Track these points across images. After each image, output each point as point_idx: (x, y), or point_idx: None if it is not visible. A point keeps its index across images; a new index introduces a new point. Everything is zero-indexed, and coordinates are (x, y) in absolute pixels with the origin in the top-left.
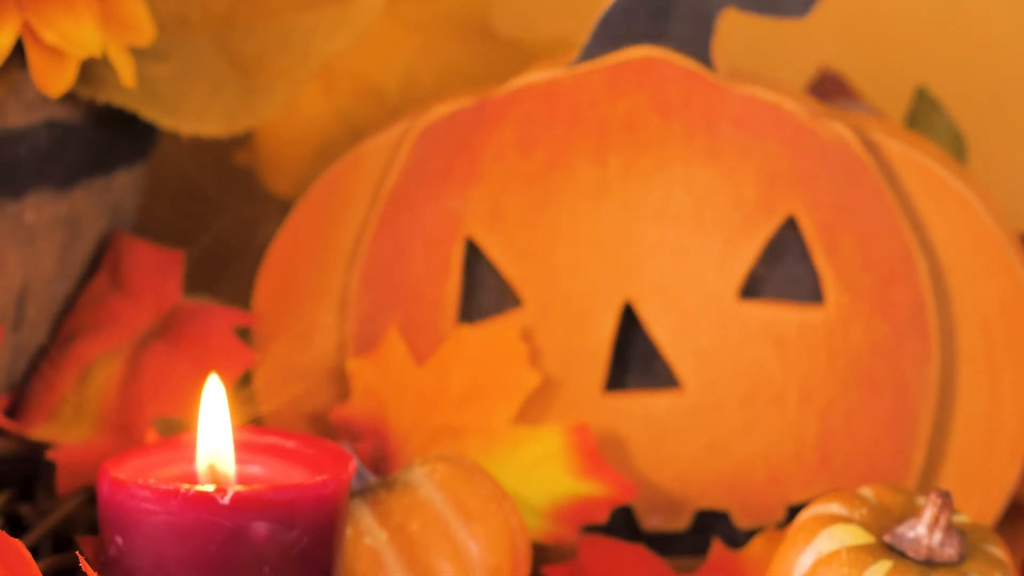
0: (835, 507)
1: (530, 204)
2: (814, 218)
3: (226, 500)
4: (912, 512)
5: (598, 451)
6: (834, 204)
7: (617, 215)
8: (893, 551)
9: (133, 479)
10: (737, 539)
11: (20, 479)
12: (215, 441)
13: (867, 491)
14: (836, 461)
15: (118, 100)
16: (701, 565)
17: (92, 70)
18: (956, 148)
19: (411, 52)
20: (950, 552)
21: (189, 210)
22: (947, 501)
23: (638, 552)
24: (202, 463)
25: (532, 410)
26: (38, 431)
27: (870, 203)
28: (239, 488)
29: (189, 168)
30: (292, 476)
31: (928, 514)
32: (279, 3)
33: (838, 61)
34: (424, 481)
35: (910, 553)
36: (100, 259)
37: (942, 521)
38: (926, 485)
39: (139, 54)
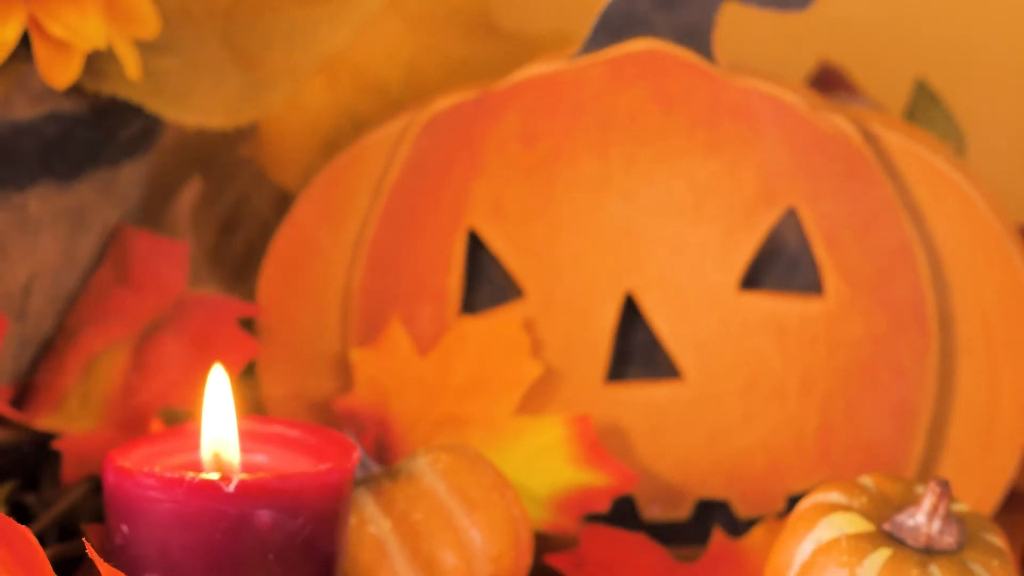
0: (835, 496)
1: (532, 196)
2: (814, 210)
3: (231, 488)
4: (911, 501)
5: (599, 441)
6: (834, 196)
7: (619, 207)
8: (892, 539)
9: (138, 467)
10: (737, 529)
11: (25, 469)
12: (220, 430)
13: (867, 480)
14: (836, 451)
15: (123, 93)
16: (702, 554)
17: (97, 63)
18: (955, 141)
19: (414, 46)
20: (949, 540)
21: None
22: (946, 490)
23: (639, 541)
24: (207, 452)
25: (534, 400)
26: (44, 421)
27: (870, 195)
28: (244, 476)
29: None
30: (296, 465)
31: (927, 502)
32: None
33: (838, 55)
34: (427, 470)
35: (909, 541)
36: (105, 251)
37: (941, 509)
38: (925, 475)
39: (144, 47)
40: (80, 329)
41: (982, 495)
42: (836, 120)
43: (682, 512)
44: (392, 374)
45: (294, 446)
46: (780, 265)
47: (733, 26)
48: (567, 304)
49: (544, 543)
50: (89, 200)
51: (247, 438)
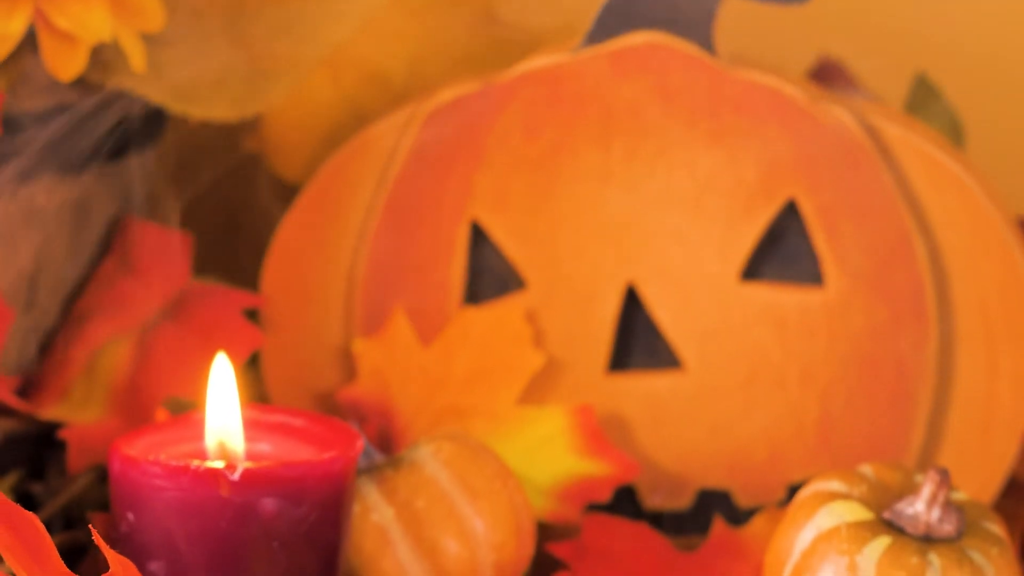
0: (835, 484)
1: (535, 188)
2: (814, 201)
3: (235, 476)
4: (911, 489)
5: (601, 431)
6: (834, 188)
7: (620, 198)
8: (892, 527)
9: (144, 456)
10: (738, 518)
11: (31, 459)
12: (224, 419)
13: (866, 469)
14: (836, 441)
15: (128, 85)
16: (703, 544)
17: (103, 55)
18: (954, 134)
19: (417, 38)
20: (948, 528)
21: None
22: (945, 478)
23: (641, 531)
24: (211, 441)
25: (536, 391)
26: (49, 411)
27: (869, 187)
28: (248, 465)
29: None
30: (300, 454)
31: (926, 491)
32: None
33: (838, 49)
34: (430, 459)
35: (909, 529)
36: (110, 242)
37: (940, 498)
38: (925, 464)
39: (149, 40)
40: (85, 320)
41: (981, 484)
42: (836, 112)
43: (683, 502)
44: (395, 364)
45: (298, 435)
46: (780, 256)
47: (734, 20)
48: (569, 295)
49: (546, 532)
50: (94, 192)
51: (251, 427)
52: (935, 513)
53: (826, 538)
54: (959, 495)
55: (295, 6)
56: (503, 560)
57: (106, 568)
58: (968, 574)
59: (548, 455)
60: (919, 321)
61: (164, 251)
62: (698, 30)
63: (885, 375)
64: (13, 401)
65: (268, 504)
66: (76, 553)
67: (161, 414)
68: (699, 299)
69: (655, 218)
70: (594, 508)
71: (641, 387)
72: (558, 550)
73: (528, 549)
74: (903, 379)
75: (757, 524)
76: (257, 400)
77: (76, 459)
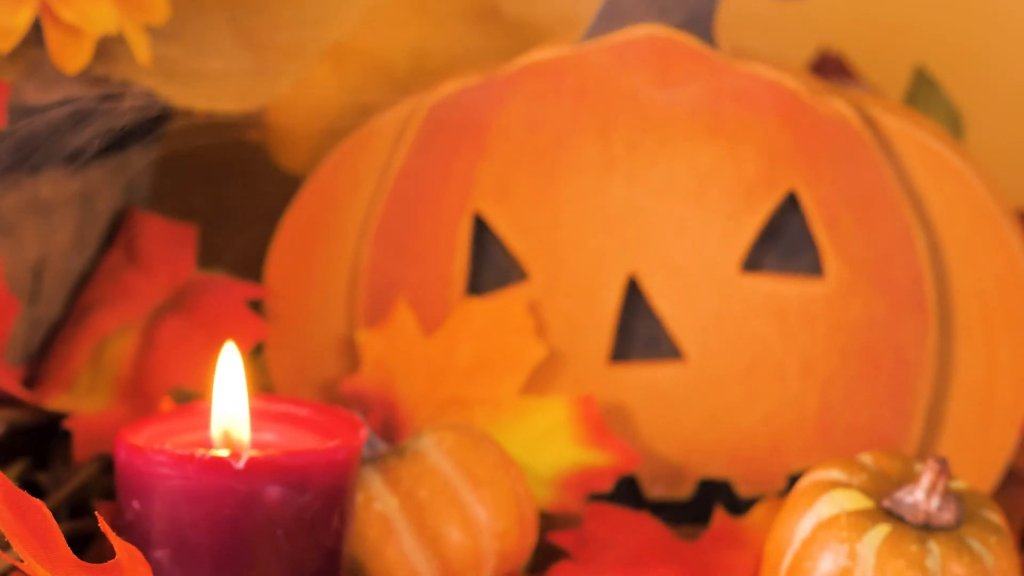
0: (835, 473)
1: (537, 179)
2: (814, 193)
3: (240, 465)
4: (910, 478)
5: (603, 421)
6: (834, 179)
7: (622, 190)
8: (892, 516)
9: (149, 445)
10: (739, 507)
11: (37, 448)
12: (230, 408)
13: (866, 458)
14: (836, 431)
15: (133, 78)
16: (704, 532)
17: (108, 48)
18: (953, 127)
19: (420, 31)
20: (947, 517)
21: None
22: (944, 467)
23: (642, 520)
24: (217, 429)
25: (538, 381)
26: (55, 401)
27: (869, 178)
28: (253, 453)
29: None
30: (305, 443)
31: (926, 480)
32: None
33: (838, 42)
34: (433, 449)
35: (908, 518)
36: (115, 234)
37: (939, 486)
38: (924, 455)
39: (154, 32)
40: (90, 311)
41: (980, 474)
42: (836, 104)
43: (684, 491)
44: (398, 355)
45: (302, 424)
46: (781, 248)
47: (734, 14)
48: (571, 286)
49: (548, 522)
50: (99, 184)
51: (256, 417)
52: (934, 502)
53: (826, 526)
54: (958, 484)
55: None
56: (506, 549)
57: (112, 556)
58: (967, 562)
59: (550, 445)
60: (918, 312)
61: (169, 243)
62: (699, 23)
63: (885, 366)
64: (19, 391)
65: (273, 492)
66: (81, 542)
67: (166, 404)
68: (700, 290)
69: (656, 210)
70: (596, 498)
71: (642, 378)
72: (560, 539)
73: (531, 538)
74: (902, 370)
75: (758, 513)
76: (261, 390)
77: (81, 449)
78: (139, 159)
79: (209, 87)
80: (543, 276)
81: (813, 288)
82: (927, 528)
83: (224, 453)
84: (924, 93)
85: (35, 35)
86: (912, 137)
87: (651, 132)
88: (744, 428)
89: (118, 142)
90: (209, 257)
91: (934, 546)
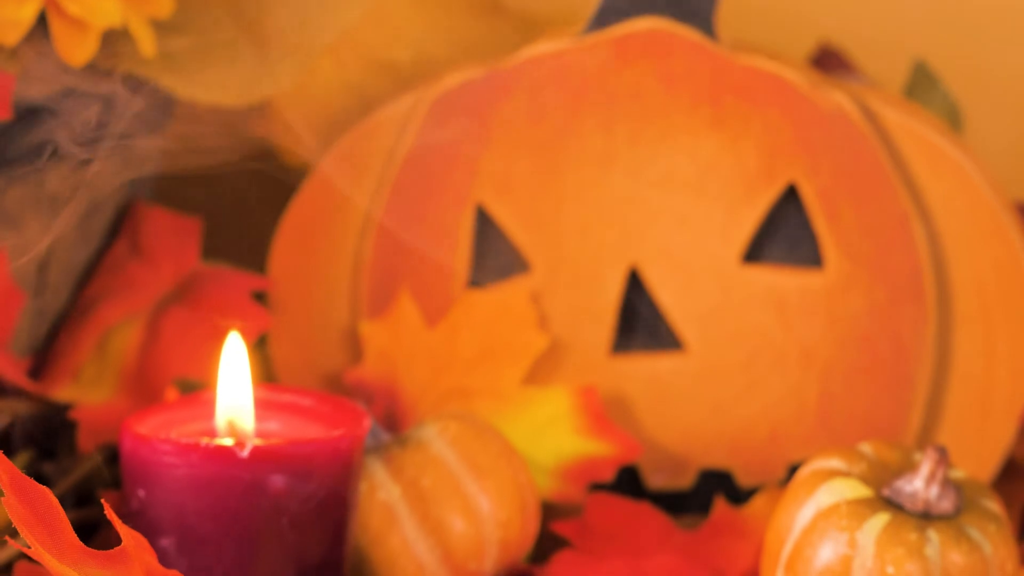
0: (835, 462)
1: (539, 172)
2: (814, 185)
3: (245, 453)
4: (909, 467)
5: (605, 412)
6: (834, 171)
7: (623, 182)
8: (891, 504)
9: (155, 434)
10: (739, 497)
11: (42, 439)
12: (234, 397)
13: (866, 447)
14: (836, 422)
15: (138, 71)
16: (704, 522)
17: (113, 41)
18: (952, 120)
19: (422, 25)
20: (946, 505)
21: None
22: (943, 456)
23: (643, 510)
24: (221, 419)
25: (540, 372)
26: (60, 392)
27: (869, 170)
28: (258, 442)
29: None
30: (309, 432)
31: (925, 468)
32: None
33: (838, 36)
34: (436, 438)
35: (907, 506)
36: (120, 226)
37: (939, 475)
38: (923, 445)
39: (158, 26)
40: (96, 302)
41: (979, 464)
42: (836, 97)
43: (685, 481)
44: (401, 346)
45: (306, 414)
46: (781, 239)
47: (735, 7)
48: (573, 277)
49: (550, 512)
50: (104, 176)
51: (260, 406)
52: (934, 490)
53: (826, 515)
54: (957, 473)
55: None
56: (508, 537)
57: (118, 544)
58: (966, 550)
59: (552, 435)
60: (918, 303)
61: (173, 235)
62: (700, 16)
63: (884, 356)
64: (24, 382)
65: (277, 481)
66: (87, 531)
67: (170, 394)
68: (701, 281)
69: (658, 202)
70: (597, 488)
71: (644, 368)
72: (562, 528)
73: (533, 527)
74: (902, 360)
75: (758, 503)
76: (265, 381)
77: (87, 439)
78: (144, 152)
79: (213, 80)
80: (545, 267)
81: (813, 279)
82: (926, 516)
83: (229, 442)
84: (923, 86)
85: (41, 28)
86: (911, 130)
87: (652, 124)
88: (744, 418)
89: (123, 135)
90: (213, 249)
91: (933, 534)
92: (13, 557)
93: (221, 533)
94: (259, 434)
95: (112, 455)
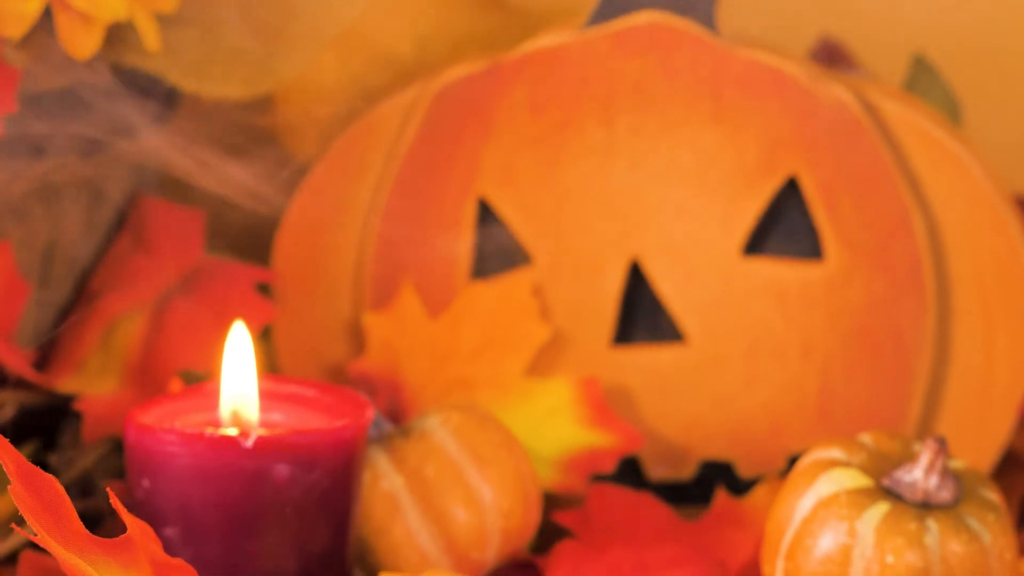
0: (835, 452)
1: (541, 165)
2: (814, 178)
3: (249, 443)
4: (909, 457)
5: (606, 403)
6: (834, 164)
7: (625, 175)
8: (891, 494)
9: (159, 424)
10: (740, 488)
11: (47, 430)
12: (238, 388)
13: (866, 437)
14: (836, 413)
15: (142, 64)
16: (705, 512)
17: (118, 35)
18: (952, 113)
19: (424, 19)
20: (945, 495)
21: None
22: (943, 446)
23: (644, 500)
24: (225, 409)
25: (542, 363)
26: (65, 384)
27: (868, 163)
28: (262, 432)
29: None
30: (312, 422)
31: (924, 458)
32: None
33: (837, 30)
34: (438, 428)
35: (907, 496)
36: (124, 219)
37: (938, 465)
38: (923, 437)
39: (163, 20)
40: (100, 294)
41: (978, 455)
42: (836, 90)
43: (686, 472)
44: (404, 338)
45: (310, 404)
46: (781, 231)
47: (735, 2)
48: (574, 270)
49: (552, 502)
50: (108, 169)
51: (264, 397)
52: (933, 480)
53: (826, 504)
54: (956, 463)
55: None
56: (511, 527)
57: (123, 534)
58: (965, 540)
59: (554, 426)
60: (917, 295)
61: (177, 227)
62: (701, 10)
63: (884, 348)
64: (29, 374)
65: (281, 470)
66: (91, 522)
67: (175, 384)
68: (702, 273)
69: (659, 194)
70: (599, 478)
71: (645, 360)
72: (563, 519)
73: (535, 516)
74: (901, 352)
75: (758, 494)
76: (269, 373)
77: (91, 430)
78: (148, 145)
79: (217, 74)
80: (547, 260)
81: (813, 271)
82: (926, 506)
83: (233, 432)
84: (923, 80)
85: (46, 21)
86: (911, 122)
87: (653, 117)
88: (745, 410)
89: (127, 128)
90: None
91: (932, 524)
92: (19, 545)
93: (225, 522)
94: (263, 425)
95: (117, 446)
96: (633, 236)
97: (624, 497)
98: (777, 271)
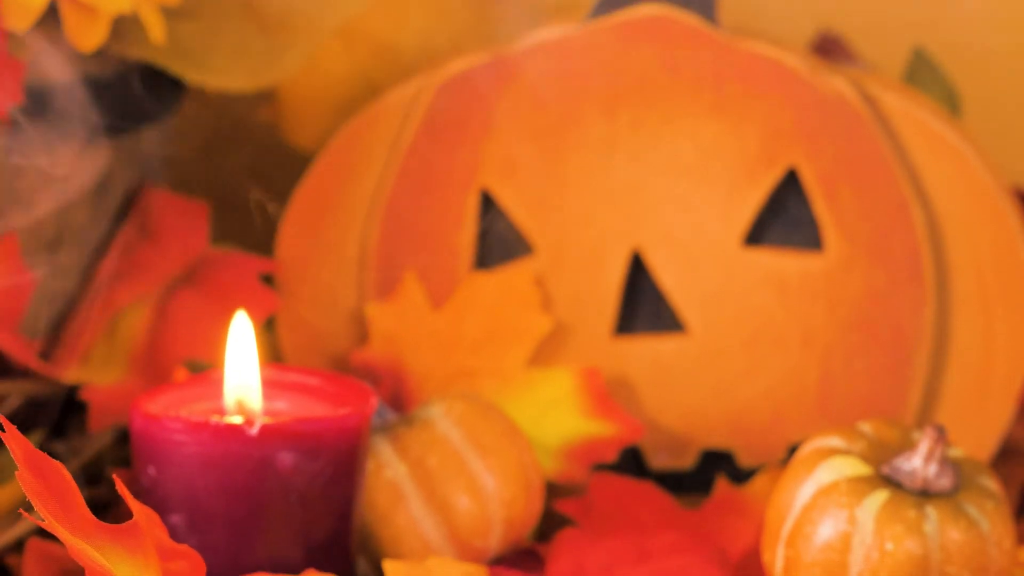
0: (835, 441)
1: (542, 156)
2: (815, 169)
3: (254, 431)
4: (908, 446)
5: (608, 393)
6: (834, 156)
7: (626, 167)
8: (890, 482)
9: (165, 412)
10: (740, 477)
11: (53, 419)
12: (243, 376)
13: (865, 426)
14: (835, 402)
15: (148, 56)
16: (706, 501)
17: (123, 27)
18: (951, 105)
19: (427, 12)
20: (944, 483)
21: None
22: (942, 435)
23: (646, 489)
24: (230, 398)
25: (544, 353)
26: (70, 374)
27: (868, 155)
28: (267, 420)
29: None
30: (316, 411)
31: (924, 447)
32: None
33: (837, 22)
34: (441, 418)
35: (906, 484)
36: (129, 209)
37: (937, 453)
38: (922, 425)
39: (168, 12)
40: (106, 285)
41: (977, 444)
42: (836, 82)
43: (687, 461)
44: (407, 328)
45: (314, 393)
46: (782, 222)
47: None
48: (576, 260)
49: (554, 492)
50: (114, 160)
51: (268, 386)
52: (932, 468)
53: (826, 492)
54: (955, 452)
55: None
56: (513, 516)
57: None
58: (964, 527)
59: (556, 416)
60: (917, 286)
61: (182, 218)
62: (702, 3)
63: (883, 338)
64: (35, 363)
65: (286, 458)
66: (97, 510)
67: (180, 373)
68: (703, 264)
69: (660, 186)
70: (600, 468)
71: (646, 350)
72: (565, 507)
73: (537, 505)
74: (901, 342)
75: (759, 483)
76: (273, 362)
77: (97, 419)
78: (153, 136)
79: (222, 66)
80: (549, 251)
81: (813, 262)
82: (925, 494)
83: (238, 420)
84: (922, 73)
85: (52, 14)
86: (910, 114)
87: (654, 110)
88: (745, 399)
89: (133, 119)
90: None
91: (932, 511)
92: (28, 531)
93: (230, 510)
94: (267, 413)
95: (123, 435)
96: (634, 227)
97: (625, 486)
98: (777, 262)
